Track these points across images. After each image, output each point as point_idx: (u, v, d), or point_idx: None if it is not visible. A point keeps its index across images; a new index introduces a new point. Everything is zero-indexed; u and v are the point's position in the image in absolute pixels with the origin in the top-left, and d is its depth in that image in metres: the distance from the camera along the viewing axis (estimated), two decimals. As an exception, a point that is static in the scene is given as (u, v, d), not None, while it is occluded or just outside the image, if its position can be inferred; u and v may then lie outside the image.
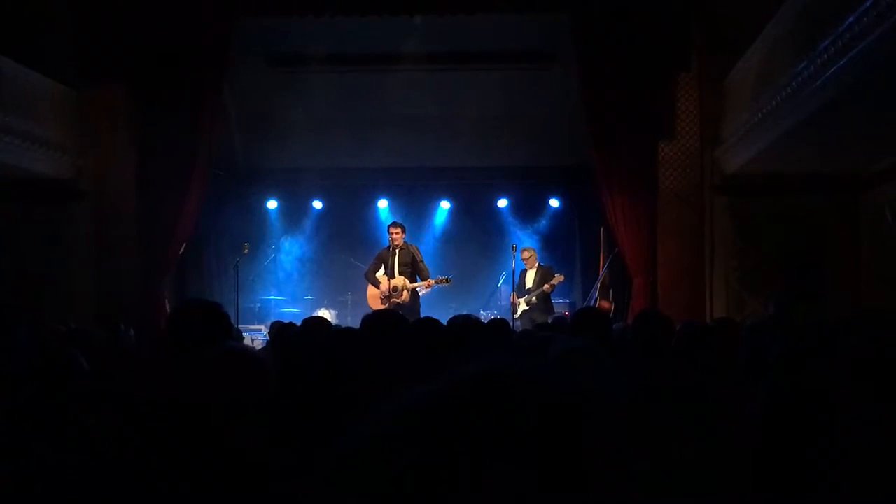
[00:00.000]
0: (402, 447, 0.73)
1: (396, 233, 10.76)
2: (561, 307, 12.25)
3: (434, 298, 12.08)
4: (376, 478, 0.73)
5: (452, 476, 0.70)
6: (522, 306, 11.34)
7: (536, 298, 11.23)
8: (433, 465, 0.71)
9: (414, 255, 10.79)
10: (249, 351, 2.82)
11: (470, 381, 0.77)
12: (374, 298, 10.88)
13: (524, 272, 11.58)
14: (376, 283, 10.83)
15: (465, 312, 7.16)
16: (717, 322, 6.85)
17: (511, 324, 10.38)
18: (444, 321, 5.13)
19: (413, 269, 10.73)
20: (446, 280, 10.99)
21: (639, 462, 0.79)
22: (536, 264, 11.59)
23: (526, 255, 11.65)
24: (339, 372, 3.16)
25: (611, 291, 11.79)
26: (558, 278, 11.23)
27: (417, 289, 10.80)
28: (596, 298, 11.70)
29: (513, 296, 11.58)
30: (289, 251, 14.63)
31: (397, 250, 10.73)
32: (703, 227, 11.38)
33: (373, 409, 0.79)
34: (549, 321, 8.12)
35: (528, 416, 0.73)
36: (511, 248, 11.66)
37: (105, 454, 2.28)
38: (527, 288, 11.41)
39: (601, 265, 11.99)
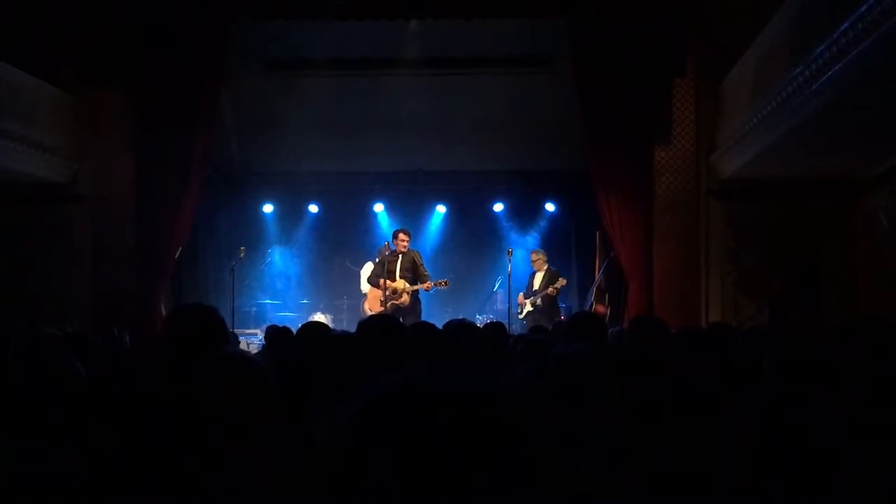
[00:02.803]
0: (337, 452, 0.76)
1: (405, 240, 11.06)
2: (560, 309, 12.29)
3: (430, 302, 12.10)
4: (318, 480, 0.77)
5: (376, 480, 0.73)
6: (528, 307, 11.56)
7: (541, 301, 11.42)
8: (360, 469, 0.74)
9: (415, 260, 11.04)
10: (248, 357, 2.82)
11: (385, 394, 0.80)
12: (374, 300, 11.01)
13: (533, 274, 11.86)
14: (378, 286, 10.97)
15: (460, 317, 7.17)
16: (713, 327, 6.85)
17: (508, 325, 10.41)
18: (440, 325, 5.14)
19: (414, 274, 10.88)
20: (444, 283, 11.06)
21: (622, 466, 0.80)
22: (545, 267, 11.76)
23: (534, 257, 11.98)
24: (336, 377, 3.17)
25: (606, 296, 11.80)
26: (561, 282, 11.44)
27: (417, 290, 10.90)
28: (592, 303, 11.72)
29: (521, 296, 11.88)
30: (285, 255, 14.61)
31: (400, 255, 10.88)
32: (699, 232, 11.40)
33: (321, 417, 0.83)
34: (533, 326, 8.17)
35: (438, 423, 0.75)
36: (507, 253, 11.71)
37: (102, 459, 2.28)
38: (533, 290, 11.59)
39: (597, 270, 12.00)
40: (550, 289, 11.35)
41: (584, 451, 0.78)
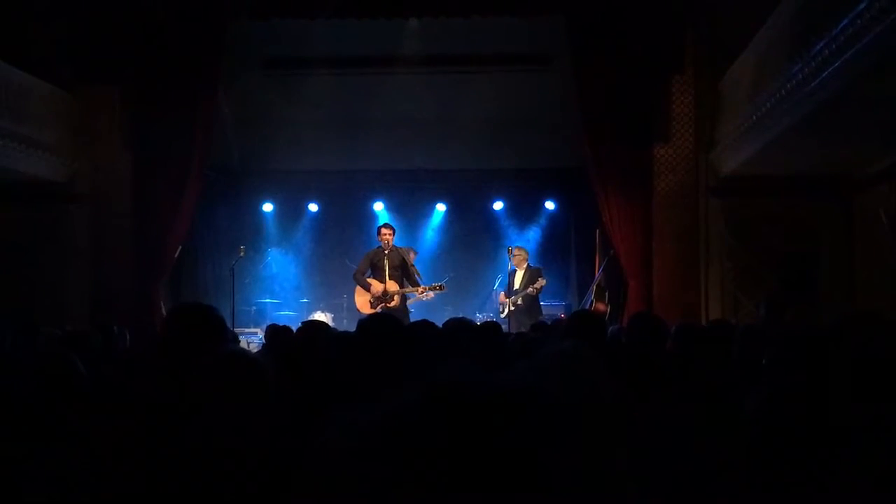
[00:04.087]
0: (367, 454, 0.76)
1: (388, 234, 10.61)
2: (556, 309, 12.27)
3: (429, 301, 12.07)
4: (345, 480, 0.76)
5: (413, 480, 0.73)
6: (509, 306, 11.36)
7: (522, 300, 11.25)
8: (396, 470, 0.73)
9: (404, 258, 10.72)
10: (250, 355, 2.82)
11: (422, 394, 0.79)
12: (363, 303, 10.74)
13: (513, 272, 11.60)
14: (366, 286, 10.70)
15: (460, 315, 7.17)
16: (712, 324, 6.86)
17: (508, 324, 10.41)
18: (439, 324, 5.14)
19: (403, 273, 10.65)
20: (440, 287, 10.97)
21: (622, 463, 0.80)
22: (525, 265, 11.59)
23: (515, 253, 11.60)
24: (337, 375, 3.17)
25: (606, 293, 11.79)
26: (541, 282, 11.20)
27: (416, 296, 10.79)
28: (592, 301, 11.70)
29: (502, 295, 11.64)
30: (284, 254, 14.61)
31: (388, 252, 10.64)
32: (698, 229, 11.40)
33: (343, 418, 0.82)
34: (533, 324, 8.10)
35: (476, 421, 0.75)
36: (507, 251, 11.68)
37: (103, 458, 2.28)
38: (514, 289, 11.43)
39: (596, 267, 12.00)
40: (531, 288, 11.14)
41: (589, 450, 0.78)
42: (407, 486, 0.73)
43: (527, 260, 11.66)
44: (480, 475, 0.72)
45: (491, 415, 0.75)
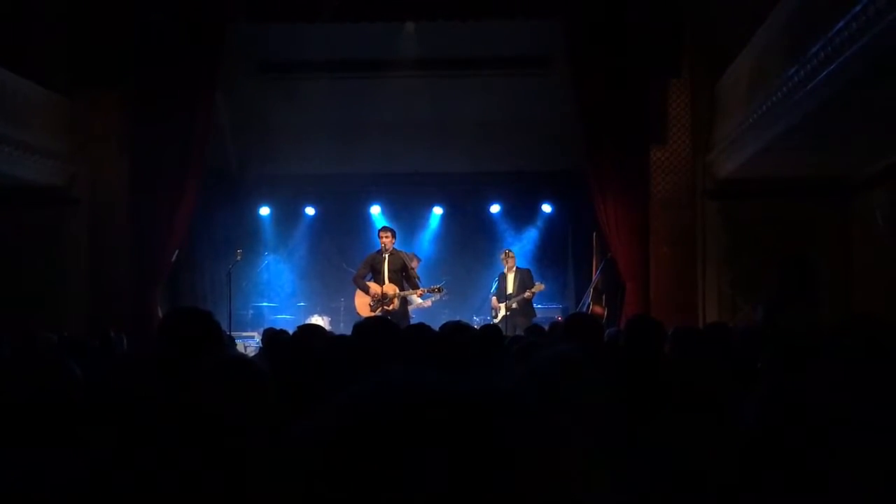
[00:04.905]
0: (323, 450, 0.75)
1: (386, 237, 10.71)
2: (553, 312, 12.25)
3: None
4: (302, 479, 0.75)
5: (368, 482, 0.72)
6: (502, 311, 11.35)
7: (517, 304, 11.24)
8: (349, 470, 0.73)
9: (404, 262, 10.75)
10: (249, 360, 2.82)
11: (375, 390, 0.79)
12: (363, 305, 10.78)
13: (503, 275, 11.61)
14: (365, 289, 10.76)
15: (457, 318, 7.17)
16: (710, 326, 6.86)
17: (504, 327, 10.39)
18: (436, 327, 5.13)
19: (402, 276, 10.68)
20: (438, 289, 10.96)
21: (617, 467, 0.80)
22: (514, 267, 11.60)
23: (503, 257, 11.68)
24: (332, 378, 3.17)
25: (603, 296, 11.79)
26: (538, 287, 11.23)
27: (414, 302, 10.79)
28: (589, 304, 11.70)
29: (493, 300, 11.60)
30: (282, 258, 14.61)
31: (387, 256, 10.68)
32: (696, 232, 11.41)
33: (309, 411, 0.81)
34: (528, 327, 8.10)
35: (433, 421, 0.74)
36: (504, 254, 11.69)
37: (100, 464, 2.28)
38: (507, 293, 11.41)
39: (594, 270, 12.00)
40: (528, 293, 11.18)
41: (576, 452, 0.76)
42: (358, 485, 0.72)
43: (514, 262, 11.67)
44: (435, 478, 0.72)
45: (443, 416, 0.74)
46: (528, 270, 11.65)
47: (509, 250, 11.95)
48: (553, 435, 0.78)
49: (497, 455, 0.72)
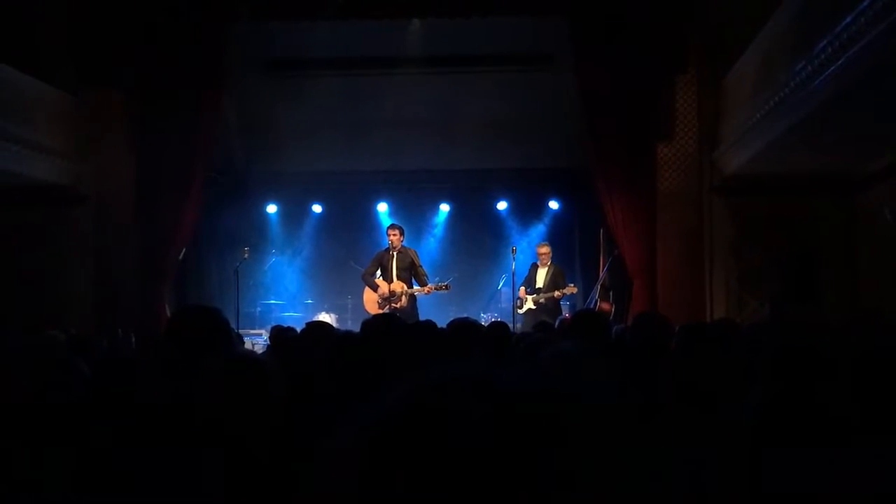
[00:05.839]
0: (370, 453, 0.74)
1: (395, 235, 10.76)
2: (562, 308, 12.25)
3: (434, 301, 12.08)
4: (350, 480, 0.74)
5: (416, 481, 0.71)
6: (529, 304, 11.33)
7: (545, 300, 11.22)
8: (397, 470, 0.72)
9: (412, 259, 10.79)
10: (255, 357, 2.82)
11: (427, 389, 0.78)
12: (371, 302, 10.84)
13: (535, 267, 11.58)
14: (374, 287, 10.81)
15: (464, 315, 7.17)
16: (717, 323, 6.85)
17: (513, 324, 10.37)
18: (443, 324, 5.14)
19: (411, 274, 10.71)
20: (446, 287, 10.96)
21: (626, 465, 0.80)
22: (549, 262, 11.56)
23: (542, 251, 11.62)
24: (339, 375, 3.17)
25: (611, 293, 11.78)
26: (570, 289, 11.24)
27: (415, 293, 10.80)
28: (596, 300, 11.69)
29: (522, 290, 11.53)
30: (289, 255, 14.62)
31: (396, 253, 10.72)
32: (702, 229, 11.40)
33: (353, 415, 0.80)
34: (536, 324, 8.07)
35: (486, 420, 0.73)
36: (511, 251, 11.67)
37: (106, 461, 2.29)
38: (537, 286, 11.40)
39: (601, 267, 11.99)
40: (558, 292, 11.16)
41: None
42: (394, 492, 0.72)
43: (550, 257, 11.62)
44: (470, 480, 0.71)
45: (484, 417, 0.74)
46: (563, 270, 11.62)
47: (547, 244, 11.86)
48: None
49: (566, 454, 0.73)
